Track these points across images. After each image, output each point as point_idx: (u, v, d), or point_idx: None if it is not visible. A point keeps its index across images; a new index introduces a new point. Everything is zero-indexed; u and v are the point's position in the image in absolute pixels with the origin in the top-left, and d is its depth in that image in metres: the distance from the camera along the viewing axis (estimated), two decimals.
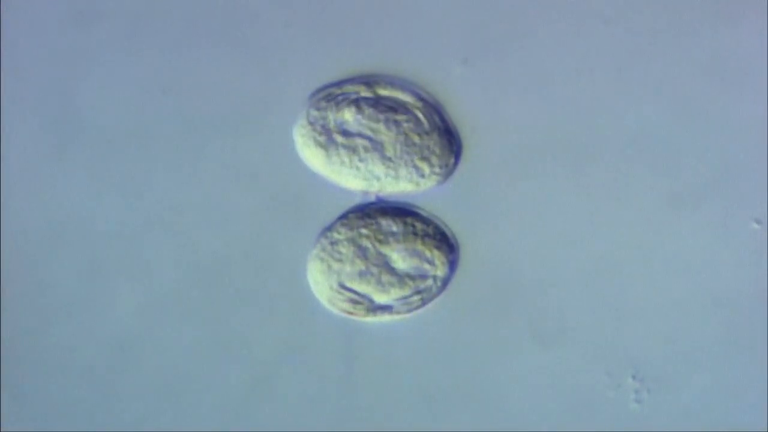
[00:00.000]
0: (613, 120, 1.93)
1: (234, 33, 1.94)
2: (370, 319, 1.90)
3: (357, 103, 1.92)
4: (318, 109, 1.91)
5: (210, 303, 1.91)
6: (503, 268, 1.91)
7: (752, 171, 1.91)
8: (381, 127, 1.91)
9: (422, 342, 1.91)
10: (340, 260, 1.89)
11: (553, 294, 1.90)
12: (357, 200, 1.92)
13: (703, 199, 1.91)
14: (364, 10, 1.94)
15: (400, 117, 1.91)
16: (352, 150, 1.90)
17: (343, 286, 1.89)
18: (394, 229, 1.89)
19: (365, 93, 1.92)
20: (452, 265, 1.90)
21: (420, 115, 1.91)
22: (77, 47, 1.94)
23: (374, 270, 1.89)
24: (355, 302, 1.89)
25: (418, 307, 1.90)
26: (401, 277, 1.90)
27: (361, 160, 1.90)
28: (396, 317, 1.90)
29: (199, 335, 1.91)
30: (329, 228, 1.90)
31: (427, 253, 1.89)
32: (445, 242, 1.90)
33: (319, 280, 1.89)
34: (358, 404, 1.91)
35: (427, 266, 1.89)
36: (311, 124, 1.91)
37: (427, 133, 1.91)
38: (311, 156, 1.90)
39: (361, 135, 1.91)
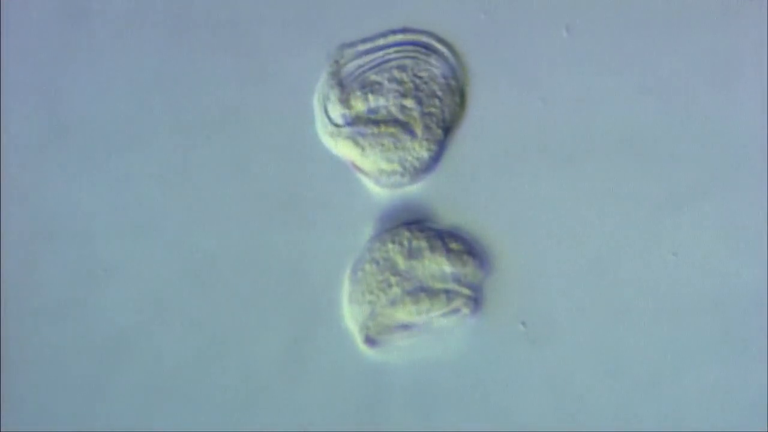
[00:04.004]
0: (611, 118, 1.93)
1: (231, 32, 1.94)
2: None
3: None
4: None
5: (206, 303, 1.91)
6: (497, 267, 1.91)
7: (751, 171, 1.91)
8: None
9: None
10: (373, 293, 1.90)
11: (547, 292, 1.91)
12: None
13: (700, 198, 1.91)
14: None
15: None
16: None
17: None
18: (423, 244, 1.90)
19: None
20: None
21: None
22: (72, 47, 1.94)
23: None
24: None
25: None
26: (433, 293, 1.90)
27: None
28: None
29: (195, 334, 1.91)
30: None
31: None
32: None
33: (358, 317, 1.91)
34: (356, 404, 1.91)
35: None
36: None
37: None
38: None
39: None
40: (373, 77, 1.93)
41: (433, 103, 1.93)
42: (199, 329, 1.90)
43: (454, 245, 1.89)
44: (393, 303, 1.87)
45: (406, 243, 1.89)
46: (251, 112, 1.93)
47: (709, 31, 1.93)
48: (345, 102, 1.92)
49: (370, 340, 1.87)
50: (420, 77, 1.93)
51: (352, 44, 1.94)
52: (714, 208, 1.91)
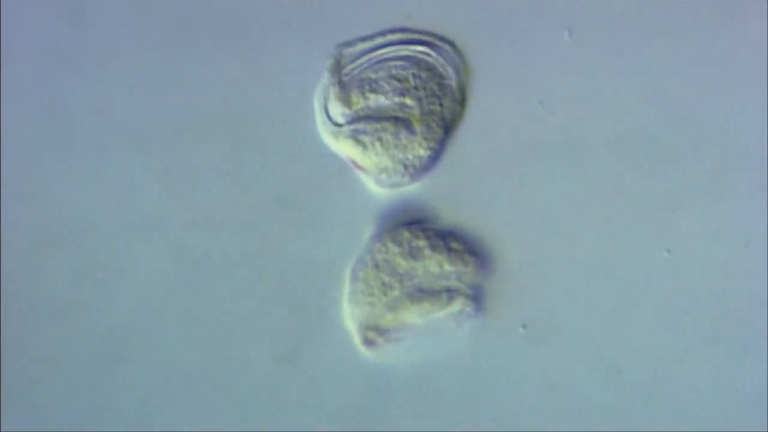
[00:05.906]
0: (612, 119, 1.93)
1: (230, 33, 1.94)
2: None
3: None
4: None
5: (206, 303, 1.91)
6: (498, 266, 1.92)
7: (752, 171, 1.91)
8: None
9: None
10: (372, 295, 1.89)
11: (548, 290, 1.91)
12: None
13: (701, 200, 1.92)
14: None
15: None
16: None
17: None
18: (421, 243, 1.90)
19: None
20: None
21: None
22: (72, 46, 1.93)
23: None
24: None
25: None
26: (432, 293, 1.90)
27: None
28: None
29: (195, 335, 1.90)
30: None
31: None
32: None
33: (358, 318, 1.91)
34: (355, 405, 1.91)
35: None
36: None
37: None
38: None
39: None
40: (374, 75, 1.93)
41: (433, 102, 1.92)
42: (199, 329, 1.90)
43: (455, 245, 1.89)
44: (393, 304, 1.87)
45: (406, 243, 1.89)
46: (251, 111, 1.93)
47: (710, 34, 1.93)
48: (345, 100, 1.92)
49: (369, 341, 1.87)
50: (420, 76, 1.93)
51: (351, 43, 1.94)
52: (715, 208, 1.91)
